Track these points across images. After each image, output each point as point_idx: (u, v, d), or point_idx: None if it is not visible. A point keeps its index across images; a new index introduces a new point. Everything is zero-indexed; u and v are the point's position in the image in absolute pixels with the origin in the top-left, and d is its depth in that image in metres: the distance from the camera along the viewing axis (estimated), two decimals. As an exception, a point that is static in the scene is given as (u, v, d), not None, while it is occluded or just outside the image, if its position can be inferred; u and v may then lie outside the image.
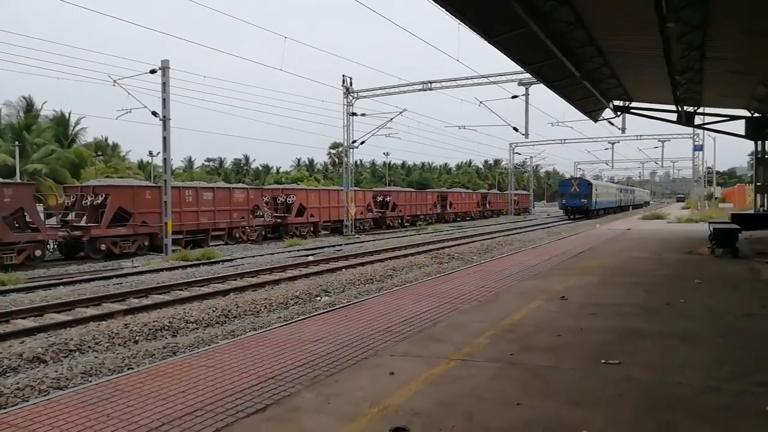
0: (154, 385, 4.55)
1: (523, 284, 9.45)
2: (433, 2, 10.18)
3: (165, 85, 21.56)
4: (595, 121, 26.04)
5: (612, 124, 26.11)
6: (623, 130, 27.73)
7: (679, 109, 21.84)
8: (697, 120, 23.09)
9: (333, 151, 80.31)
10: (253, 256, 20.82)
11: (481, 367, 4.84)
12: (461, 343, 5.61)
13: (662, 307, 7.29)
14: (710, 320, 6.60)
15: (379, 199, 41.16)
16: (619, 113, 23.58)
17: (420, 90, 32.52)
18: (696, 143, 41.82)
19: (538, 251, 16.06)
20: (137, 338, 8.97)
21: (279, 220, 30.57)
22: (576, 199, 48.50)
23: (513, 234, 30.30)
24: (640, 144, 58.50)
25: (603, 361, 4.94)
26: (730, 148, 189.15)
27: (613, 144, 56.71)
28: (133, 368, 7.28)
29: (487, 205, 59.73)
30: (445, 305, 7.66)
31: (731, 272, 10.48)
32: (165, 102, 21.63)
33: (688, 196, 78.45)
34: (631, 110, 23.20)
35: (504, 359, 5.06)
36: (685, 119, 22.34)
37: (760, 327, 6.26)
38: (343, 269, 16.06)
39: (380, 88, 33.51)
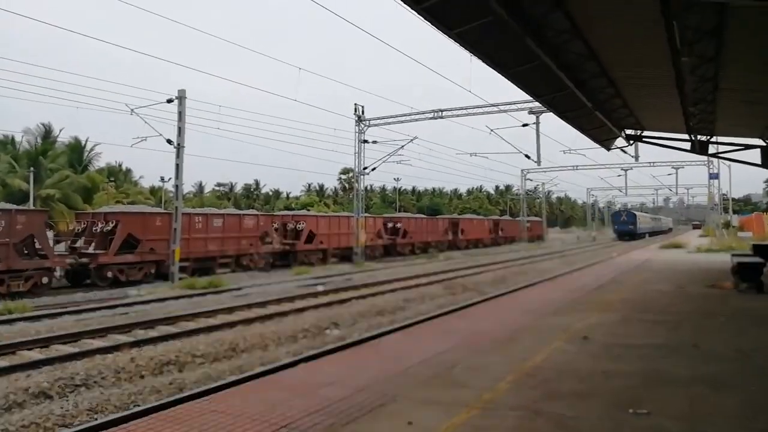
0: (166, 431, 4.37)
1: (543, 321, 9.19)
2: (447, 37, 10.18)
3: (181, 114, 21.76)
4: (608, 149, 25.89)
5: (625, 152, 25.95)
6: (636, 158, 27.57)
7: (693, 138, 21.69)
8: (711, 149, 22.87)
9: (343, 177, 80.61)
10: (261, 285, 20.63)
11: (503, 417, 4.61)
12: (482, 389, 5.38)
13: (688, 348, 7.02)
14: (740, 363, 6.33)
15: (390, 225, 40.96)
16: (631, 142, 23.45)
17: (431, 118, 32.65)
18: (711, 171, 41.47)
19: (555, 284, 15.78)
20: (143, 373, 8.78)
21: (288, 247, 30.42)
22: (625, 226, 62.95)
23: (527, 263, 29.94)
24: (653, 171, 58.20)
25: (631, 410, 4.69)
26: (744, 175, 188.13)
27: (626, 171, 56.29)
28: (139, 405, 7.10)
29: (500, 232, 59.21)
30: (462, 345, 7.42)
31: (758, 308, 10.17)
32: (180, 130, 21.79)
33: (704, 222, 77.66)
34: (644, 139, 23.06)
35: (527, 407, 4.83)
36: (699, 148, 22.15)
37: (794, 372, 5.98)
38: (354, 300, 15.83)
39: (392, 117, 33.69)
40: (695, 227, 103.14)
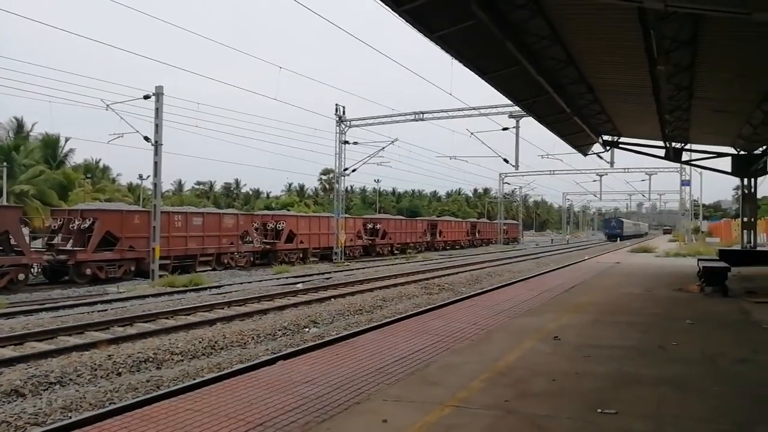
0: (140, 431, 4.38)
1: (516, 322, 9.37)
2: (429, 40, 10.31)
3: (158, 111, 21.55)
4: (585, 155, 26.39)
5: (601, 157, 26.48)
6: (612, 163, 28.11)
7: (668, 145, 22.22)
8: (685, 156, 23.48)
9: (324, 177, 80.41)
10: (241, 283, 20.57)
11: (476, 415, 4.73)
12: (455, 387, 5.50)
13: (656, 350, 7.23)
14: (705, 365, 6.55)
15: (369, 226, 41.12)
16: (608, 148, 23.92)
17: (412, 120, 32.84)
18: (683, 178, 42.45)
19: (528, 284, 16.02)
20: (120, 370, 8.73)
21: (268, 246, 30.35)
22: (614, 230, 77.06)
23: (503, 264, 30.30)
24: (627, 177, 59.35)
25: (599, 410, 4.84)
26: (715, 182, 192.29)
27: (601, 176, 57.39)
28: (115, 403, 7.07)
29: (477, 234, 59.88)
30: (437, 344, 7.55)
31: (722, 312, 10.48)
32: (158, 127, 21.59)
33: (675, 228, 79.59)
34: (620, 145, 23.55)
35: (499, 406, 4.95)
36: (673, 155, 22.72)
37: (756, 374, 6.22)
38: (332, 299, 15.89)
39: (373, 118, 33.79)
40: (666, 232, 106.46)
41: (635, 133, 22.84)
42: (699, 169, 38.23)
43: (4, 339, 10.29)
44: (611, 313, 10.35)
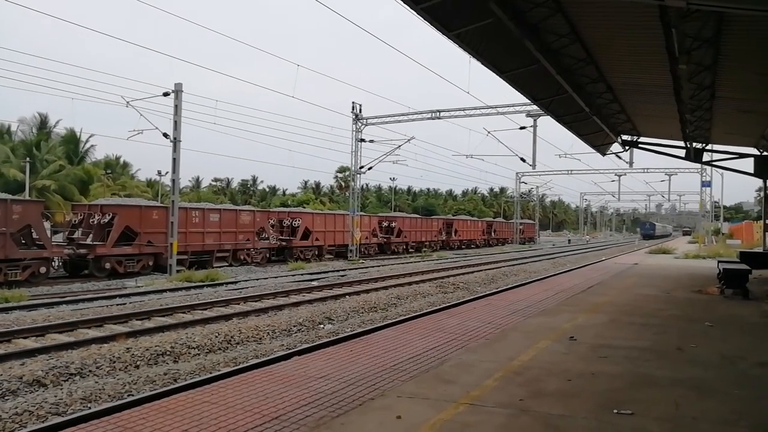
0: (158, 422, 4.46)
1: (531, 321, 9.32)
2: (447, 38, 10.28)
3: (177, 108, 21.80)
4: (603, 155, 26.10)
5: (620, 157, 26.14)
6: (631, 163, 27.73)
7: (688, 145, 21.88)
8: (706, 157, 23.08)
9: (340, 175, 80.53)
10: (257, 279, 20.74)
11: (490, 413, 4.72)
12: (470, 385, 5.50)
13: (673, 352, 7.15)
14: (724, 368, 6.46)
15: (385, 224, 41.13)
16: (627, 148, 23.62)
17: (428, 118, 32.77)
18: (704, 179, 41.76)
19: (544, 284, 15.91)
20: (138, 363, 8.86)
21: (284, 243, 30.53)
22: (648, 231, 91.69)
23: (518, 264, 30.12)
24: (647, 177, 58.63)
25: (615, 411, 4.81)
26: (737, 183, 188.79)
27: (620, 176, 56.77)
28: (134, 395, 7.19)
29: (493, 234, 59.57)
30: (452, 342, 7.54)
31: (742, 315, 10.32)
32: (176, 124, 21.84)
33: (695, 229, 78.54)
34: (640, 145, 23.24)
35: (514, 405, 4.94)
36: (694, 156, 22.35)
37: (776, 377, 6.12)
38: (347, 296, 15.95)
39: (389, 116, 33.79)
40: (685, 233, 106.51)
41: (655, 132, 22.53)
42: (720, 170, 37.59)
43: (27, 330, 10.51)
44: (628, 313, 10.24)
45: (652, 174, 55.92)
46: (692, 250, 35.61)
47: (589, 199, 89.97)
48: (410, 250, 42.50)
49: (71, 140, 48.87)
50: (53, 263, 20.78)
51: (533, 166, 32.44)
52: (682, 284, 15.55)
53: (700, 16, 9.05)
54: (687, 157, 22.62)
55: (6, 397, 7.15)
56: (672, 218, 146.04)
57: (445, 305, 13.80)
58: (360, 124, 34.01)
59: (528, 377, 5.84)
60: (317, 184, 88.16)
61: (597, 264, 26.58)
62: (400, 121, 33.84)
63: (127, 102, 21.69)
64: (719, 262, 16.03)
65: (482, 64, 12.07)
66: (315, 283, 18.90)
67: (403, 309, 14.41)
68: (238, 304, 14.45)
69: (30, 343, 9.87)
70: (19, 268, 18.31)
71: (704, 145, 22.05)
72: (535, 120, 29.29)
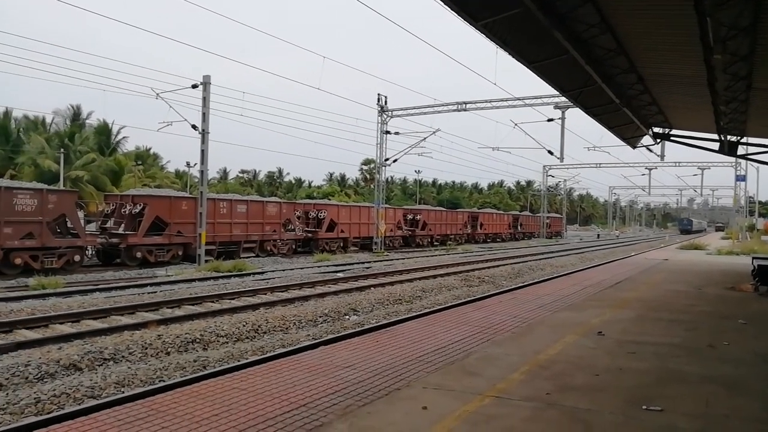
0: (189, 406, 4.58)
1: (558, 316, 9.25)
2: (474, 28, 10.18)
3: (205, 100, 22.10)
4: (634, 147, 25.57)
5: (651, 150, 25.60)
6: (662, 157, 27.15)
7: (722, 138, 21.27)
8: (740, 150, 22.43)
9: (365, 167, 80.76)
10: (283, 270, 20.99)
11: (516, 406, 4.72)
12: (495, 378, 5.50)
13: (704, 349, 7.02)
14: (757, 366, 6.32)
15: (410, 217, 41.12)
16: (658, 140, 23.09)
17: (454, 110, 32.56)
18: (738, 173, 40.59)
19: (571, 279, 15.74)
20: (169, 350, 9.08)
21: (310, 235, 30.80)
22: (686, 226, 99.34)
23: (545, 258, 29.81)
24: (678, 171, 57.38)
25: (644, 407, 4.76)
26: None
27: (650, 170, 55.56)
28: (164, 381, 7.38)
29: (519, 227, 59.04)
30: (477, 335, 7.54)
31: (777, 313, 10.07)
32: (205, 116, 22.16)
33: (728, 225, 76.56)
34: (671, 138, 22.69)
35: (540, 398, 4.93)
36: (728, 149, 21.71)
37: (812, 376, 5.96)
38: (372, 288, 16.04)
39: (414, 108, 33.67)
40: (718, 229, 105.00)
41: (687, 125, 21.96)
42: (756, 164, 36.45)
43: (63, 316, 10.88)
44: (657, 309, 10.07)
45: (684, 168, 55.05)
46: (725, 246, 34.71)
47: (618, 193, 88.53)
48: (435, 243, 42.41)
49: (103, 132, 50.02)
50: (87, 252, 21.38)
51: (561, 159, 31.94)
52: (714, 281, 15.21)
53: (736, 4, 8.77)
54: (721, 151, 22.00)
55: (45, 380, 7.42)
56: (704, 213, 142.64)
57: (470, 298, 13.77)
58: (385, 116, 33.98)
59: (554, 371, 5.81)
60: (342, 177, 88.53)
61: (626, 259, 26.15)
62: (425, 113, 33.73)
63: (157, 94, 22.09)
64: (754, 258, 15.60)
65: (510, 54, 11.93)
66: (340, 275, 19.04)
67: (427, 302, 14.43)
68: (265, 294, 14.66)
69: (66, 329, 10.22)
70: (54, 256, 18.89)
71: (739, 138, 21.40)
72: (563, 112, 28.85)
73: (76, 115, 50.06)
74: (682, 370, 6.01)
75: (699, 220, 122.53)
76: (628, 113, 17.66)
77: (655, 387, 5.36)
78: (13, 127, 46.46)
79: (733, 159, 35.61)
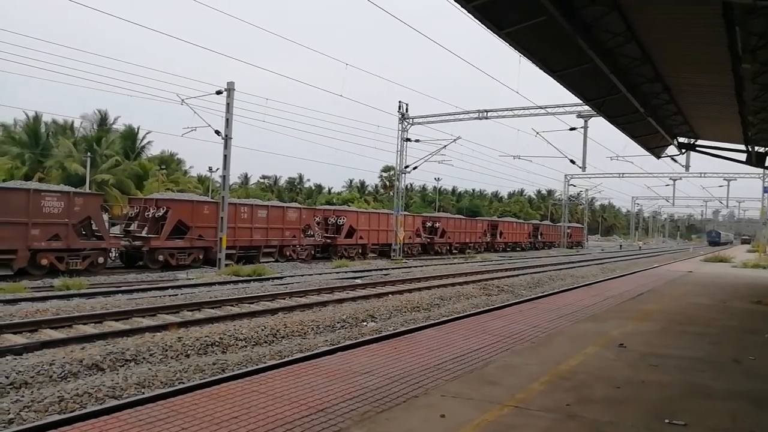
0: (209, 408, 4.62)
1: (578, 326, 9.13)
2: (497, 36, 10.17)
3: (229, 106, 22.40)
4: (658, 157, 25.18)
5: (675, 161, 25.18)
6: (687, 167, 26.69)
7: (749, 149, 20.85)
8: (768, 161, 21.94)
9: (384, 174, 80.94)
10: (302, 275, 21.09)
11: (536, 417, 4.67)
12: (515, 388, 5.44)
13: (730, 363, 6.86)
14: (785, 382, 6.15)
15: (428, 224, 41.02)
16: (683, 150, 22.72)
17: (476, 118, 32.48)
18: (766, 185, 39.70)
19: (592, 290, 15.53)
20: (189, 352, 9.17)
21: (329, 241, 30.92)
22: (714, 238, 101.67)
23: (565, 268, 29.45)
24: (703, 181, 56.32)
25: (667, 420, 4.66)
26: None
27: (674, 180, 54.70)
28: (184, 383, 7.46)
29: (539, 237, 58.50)
30: (496, 344, 7.48)
31: (806, 328, 9.78)
32: (228, 122, 22.45)
33: (754, 237, 74.88)
34: (697, 148, 22.30)
35: (560, 410, 4.87)
36: (756, 160, 21.27)
37: (843, 395, 5.78)
38: (390, 295, 16.01)
39: (435, 115, 33.69)
40: (744, 242, 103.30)
41: (714, 135, 21.56)
42: (785, 176, 35.66)
43: (86, 317, 11.07)
44: (681, 322, 9.88)
45: (709, 179, 53.73)
46: (751, 259, 33.93)
47: (642, 204, 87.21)
48: (454, 251, 42.23)
49: (129, 136, 50.99)
50: (110, 254, 21.76)
51: (583, 168, 31.65)
52: (739, 294, 14.87)
53: (767, 13, 8.62)
54: (748, 162, 21.56)
55: (68, 379, 7.55)
56: (730, 225, 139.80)
57: (489, 307, 13.67)
58: (406, 124, 34.04)
59: (575, 382, 5.73)
60: (362, 183, 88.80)
61: (649, 270, 25.72)
62: (446, 121, 33.72)
63: (182, 100, 22.45)
64: (782, 271, 15.25)
65: (533, 62, 11.88)
66: (359, 281, 19.06)
67: (446, 310, 14.36)
68: (284, 299, 14.74)
69: (89, 329, 10.39)
70: (79, 258, 19.26)
71: (767, 149, 20.97)
72: (585, 121, 28.61)
73: (103, 120, 51.15)
74: (706, 384, 5.89)
75: (726, 233, 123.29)
76: (653, 123, 17.42)
77: (678, 401, 5.25)
78: (42, 131, 47.61)
79: (760, 170, 34.83)
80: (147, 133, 52.44)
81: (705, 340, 8.25)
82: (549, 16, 9.55)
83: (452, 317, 12.14)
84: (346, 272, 22.87)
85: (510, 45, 10.85)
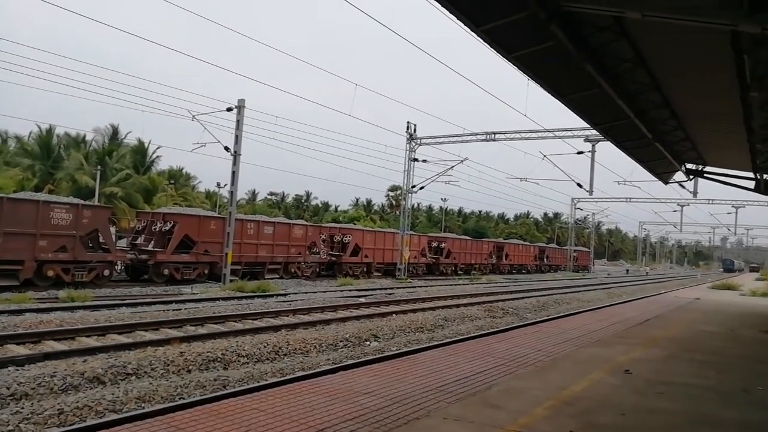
0: (208, 424, 4.58)
1: (584, 351, 9.02)
2: (506, 60, 10.27)
3: (239, 123, 22.62)
4: (666, 183, 25.11)
5: (683, 187, 25.05)
6: (695, 193, 26.53)
7: (758, 177, 20.76)
8: (778, 189, 21.81)
9: (391, 194, 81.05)
10: (306, 293, 21.03)
11: (538, 442, 4.60)
12: (518, 412, 5.37)
13: (739, 393, 6.75)
14: (794, 414, 6.04)
15: (434, 244, 40.96)
16: (691, 177, 22.65)
17: (483, 140, 32.61)
18: (775, 212, 39.41)
19: (598, 314, 15.38)
20: (191, 367, 9.12)
21: (334, 258, 30.90)
22: (729, 266, 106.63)
23: (571, 292, 29.21)
24: (711, 208, 55.95)
25: (673, 450, 4.58)
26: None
27: (682, 206, 54.41)
28: (185, 398, 7.41)
29: (545, 260, 58.23)
30: (500, 367, 7.40)
31: (816, 359, 9.63)
32: (237, 138, 22.65)
33: (763, 265, 74.23)
34: (705, 175, 22.23)
35: (563, 435, 4.79)
36: (764, 188, 21.16)
37: None
38: (394, 314, 15.92)
39: (443, 136, 33.85)
40: (752, 270, 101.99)
41: (722, 162, 21.51)
42: (794, 204, 35.44)
43: (90, 329, 11.07)
44: (688, 350, 9.75)
45: (717, 205, 53.34)
46: (760, 287, 33.54)
47: (649, 229, 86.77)
48: (459, 272, 42.06)
49: (139, 151, 51.50)
50: (116, 267, 21.82)
51: (590, 192, 31.59)
52: (748, 323, 14.68)
53: (775, 42, 8.65)
54: (757, 189, 21.45)
55: (69, 392, 7.51)
56: (738, 252, 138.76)
57: (493, 330, 13.55)
58: (414, 144, 34.21)
59: (579, 408, 5.65)
60: (368, 202, 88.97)
61: (656, 296, 25.47)
62: (453, 142, 33.86)
63: (193, 116, 22.70)
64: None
65: (541, 86, 11.95)
66: (362, 300, 18.98)
67: (450, 331, 14.25)
68: (287, 316, 14.68)
69: (92, 342, 10.38)
70: (85, 270, 19.32)
71: (776, 176, 20.86)
72: (593, 145, 28.63)
73: (114, 134, 51.75)
74: (714, 413, 5.79)
75: (739, 261, 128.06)
76: (661, 148, 17.41)
77: (686, 429, 5.17)
78: (54, 143, 48.17)
79: (769, 198, 34.63)
80: (157, 148, 52.93)
81: (713, 369, 8.13)
82: (557, 41, 9.64)
83: (456, 339, 12.04)
84: (350, 290, 22.80)
85: (518, 69, 10.94)
